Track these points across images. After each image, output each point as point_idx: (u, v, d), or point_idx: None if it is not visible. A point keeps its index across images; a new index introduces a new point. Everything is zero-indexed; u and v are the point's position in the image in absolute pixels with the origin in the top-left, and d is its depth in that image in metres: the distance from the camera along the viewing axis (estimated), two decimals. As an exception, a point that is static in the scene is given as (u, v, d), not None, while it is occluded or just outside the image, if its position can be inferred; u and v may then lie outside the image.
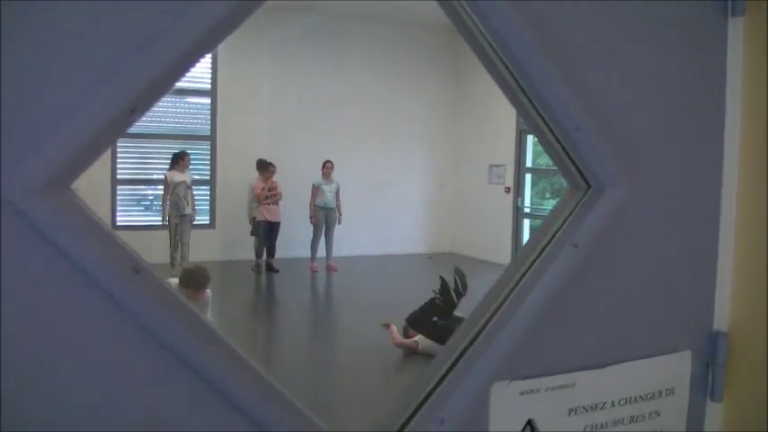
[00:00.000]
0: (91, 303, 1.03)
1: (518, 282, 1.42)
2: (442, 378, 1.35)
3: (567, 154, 1.46)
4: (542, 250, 1.45)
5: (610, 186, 1.45)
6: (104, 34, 1.01)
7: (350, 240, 12.55)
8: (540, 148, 13.37)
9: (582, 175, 1.48)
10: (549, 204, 17.00)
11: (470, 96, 13.63)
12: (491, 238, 13.13)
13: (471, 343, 1.37)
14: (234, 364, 1.13)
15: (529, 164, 13.15)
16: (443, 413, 1.31)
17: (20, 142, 0.97)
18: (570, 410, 1.47)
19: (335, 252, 12.06)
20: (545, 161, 13.08)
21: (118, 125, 1.02)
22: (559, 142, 1.45)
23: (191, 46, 1.06)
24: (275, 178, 11.52)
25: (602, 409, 1.51)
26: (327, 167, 11.81)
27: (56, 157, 0.98)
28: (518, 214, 13.06)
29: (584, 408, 1.49)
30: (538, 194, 13.57)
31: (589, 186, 1.48)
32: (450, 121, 14.13)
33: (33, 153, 0.97)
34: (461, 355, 1.37)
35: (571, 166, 1.48)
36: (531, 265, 1.43)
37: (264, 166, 11.50)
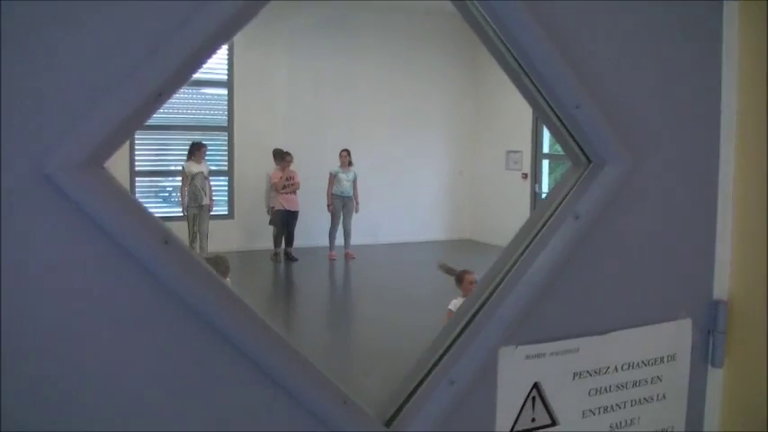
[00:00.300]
0: (123, 273, 1.12)
1: (523, 252, 1.50)
2: (452, 342, 1.44)
3: (568, 131, 1.53)
4: (546, 222, 1.52)
5: (610, 161, 1.52)
6: (135, 24, 1.09)
7: (368, 228, 12.62)
8: (556, 133, 13.42)
9: (582, 151, 1.55)
10: (566, 190, 17.00)
11: (487, 83, 13.65)
12: (509, 225, 13.11)
13: (480, 309, 1.45)
14: (264, 333, 1.22)
15: (546, 150, 13.17)
16: (453, 375, 1.40)
17: (58, 123, 1.06)
18: (575, 374, 1.55)
19: (353, 240, 12.15)
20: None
21: (147, 108, 1.11)
22: (560, 120, 1.52)
23: (211, 35, 1.14)
24: (292, 167, 11.62)
25: (605, 373, 1.59)
26: (344, 156, 11.88)
27: (91, 136, 1.07)
28: (536, 200, 13.08)
29: (587, 372, 1.57)
30: (555, 181, 13.58)
31: (590, 162, 1.56)
32: (468, 108, 14.15)
33: (71, 133, 1.06)
34: (471, 320, 1.45)
35: (572, 143, 1.55)
36: (536, 236, 1.51)
37: (281, 156, 11.60)
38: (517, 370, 1.48)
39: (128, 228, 1.10)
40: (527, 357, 1.48)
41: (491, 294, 1.46)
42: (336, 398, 1.29)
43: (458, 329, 1.45)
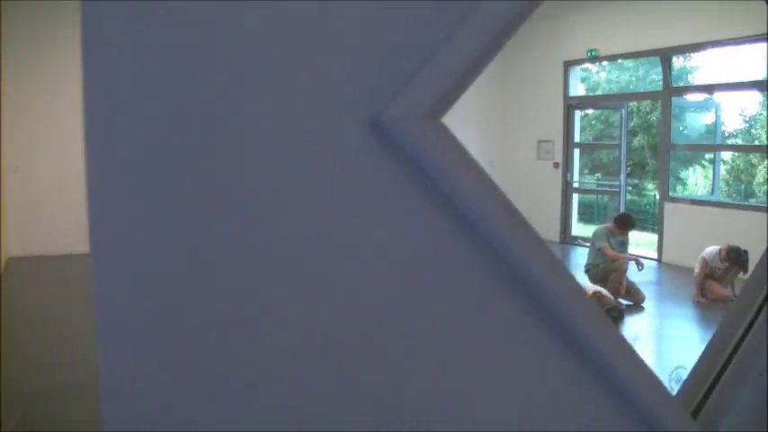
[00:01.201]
0: (455, 236, 0.97)
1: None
2: (746, 330, 1.29)
3: None
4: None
5: None
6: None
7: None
8: (585, 122, 13.26)
9: None
10: (590, 180, 16.79)
11: (518, 73, 13.55)
12: (540, 214, 13.08)
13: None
14: (596, 320, 1.07)
15: (577, 139, 13.06)
16: (762, 367, 1.25)
17: (397, 72, 0.91)
18: None
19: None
20: (585, 137, 12.98)
21: (490, 51, 0.96)
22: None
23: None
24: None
25: None
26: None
27: (431, 87, 0.92)
28: (567, 189, 12.97)
29: None
30: (585, 169, 13.48)
31: None
32: (499, 98, 14.02)
33: (410, 83, 0.91)
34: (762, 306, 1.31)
35: None
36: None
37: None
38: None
39: (468, 191, 0.95)
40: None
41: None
42: (659, 389, 1.14)
43: (750, 316, 1.30)
